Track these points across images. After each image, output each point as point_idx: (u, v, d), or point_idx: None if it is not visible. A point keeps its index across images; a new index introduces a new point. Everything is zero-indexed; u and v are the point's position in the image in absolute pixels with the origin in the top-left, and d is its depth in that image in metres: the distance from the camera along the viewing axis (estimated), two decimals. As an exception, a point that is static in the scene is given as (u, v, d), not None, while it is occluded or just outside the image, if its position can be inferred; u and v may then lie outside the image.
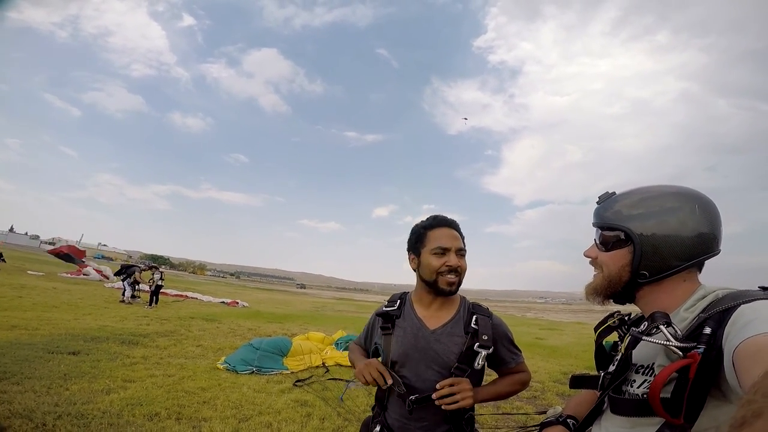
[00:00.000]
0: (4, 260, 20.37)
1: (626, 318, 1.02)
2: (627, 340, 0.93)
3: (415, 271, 1.48)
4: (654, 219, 0.88)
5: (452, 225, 1.46)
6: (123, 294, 14.06)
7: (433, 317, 1.43)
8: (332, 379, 5.80)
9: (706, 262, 0.89)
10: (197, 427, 3.61)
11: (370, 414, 1.55)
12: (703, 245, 0.86)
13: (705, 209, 0.87)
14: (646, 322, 0.80)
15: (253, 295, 32.09)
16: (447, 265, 1.37)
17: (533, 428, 1.21)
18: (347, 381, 1.71)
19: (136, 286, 14.47)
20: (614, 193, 0.99)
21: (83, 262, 25.53)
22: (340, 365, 6.61)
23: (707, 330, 0.72)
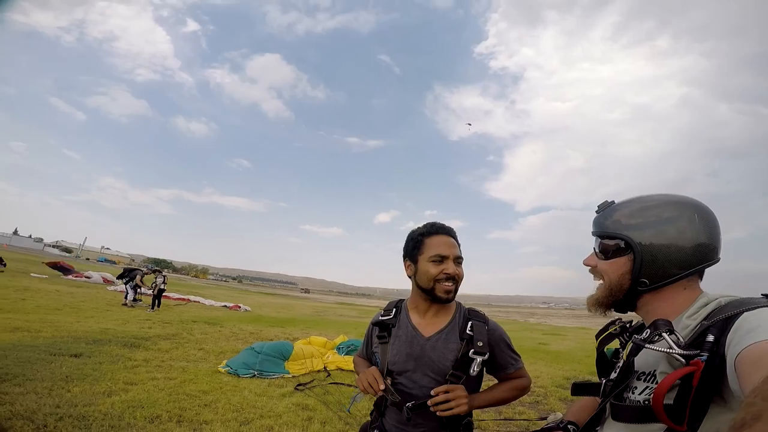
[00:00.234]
0: (4, 265, 20.32)
1: (627, 325, 1.03)
2: (629, 347, 0.94)
3: (410, 278, 1.48)
4: (654, 228, 0.89)
5: (449, 233, 1.45)
6: (125, 297, 14.10)
7: (429, 324, 1.43)
8: (334, 383, 5.78)
9: (707, 269, 0.89)
10: (198, 430, 3.60)
11: (368, 419, 1.56)
12: (702, 254, 0.86)
13: (704, 218, 0.88)
14: (648, 330, 0.80)
15: (255, 299, 32.10)
16: (445, 273, 1.37)
17: None
18: (354, 395, 1.71)
19: (139, 290, 14.51)
20: (613, 201, 1.00)
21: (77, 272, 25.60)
22: (342, 369, 6.59)
23: (710, 337, 0.73)
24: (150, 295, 14.36)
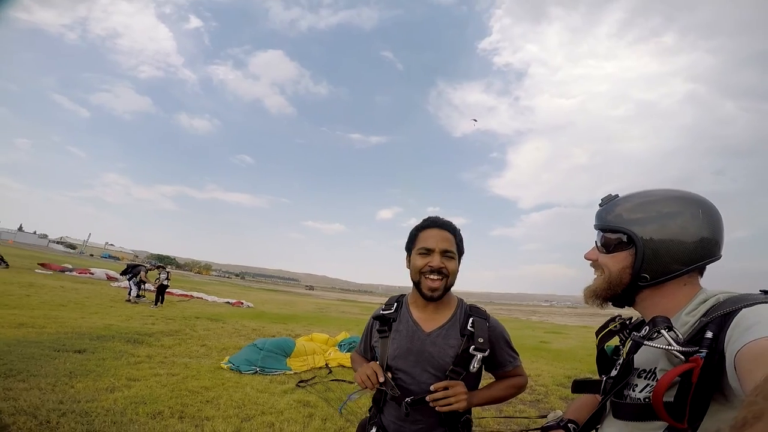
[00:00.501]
0: (6, 264, 20.33)
1: (627, 322, 1.02)
2: (628, 344, 0.94)
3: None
4: (656, 223, 0.88)
5: (442, 226, 1.43)
6: (129, 293, 14.18)
7: (429, 319, 1.42)
8: (335, 380, 5.80)
9: (710, 266, 0.89)
10: (200, 426, 3.62)
11: (366, 416, 1.55)
12: (704, 250, 0.86)
13: (708, 214, 0.87)
14: (647, 327, 0.80)
15: (258, 296, 32.25)
16: (429, 266, 1.36)
17: (534, 431, 1.21)
18: (349, 395, 1.70)
19: (142, 286, 14.59)
20: (617, 195, 0.99)
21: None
22: (344, 366, 6.61)
23: (709, 334, 0.72)
24: (153, 291, 14.44)
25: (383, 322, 1.47)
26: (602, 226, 0.98)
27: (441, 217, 1.49)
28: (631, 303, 0.95)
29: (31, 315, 8.20)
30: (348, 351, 7.37)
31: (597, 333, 1.06)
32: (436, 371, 1.34)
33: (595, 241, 1.01)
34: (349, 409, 4.40)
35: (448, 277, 1.38)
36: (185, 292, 20.88)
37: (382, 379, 1.33)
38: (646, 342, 0.77)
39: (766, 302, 0.71)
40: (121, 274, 16.35)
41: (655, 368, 0.83)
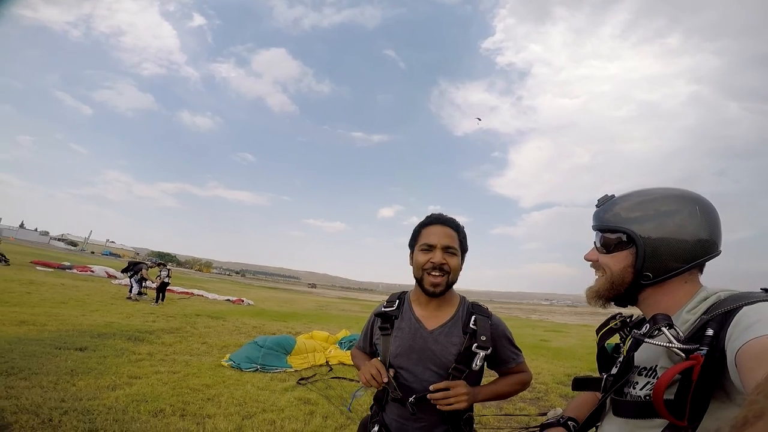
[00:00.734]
0: (8, 262, 20.30)
1: (628, 320, 1.02)
2: (629, 342, 0.94)
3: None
4: (655, 221, 0.88)
5: (445, 222, 1.43)
6: (130, 291, 14.19)
7: (432, 317, 1.42)
8: (336, 377, 5.82)
9: (711, 267, 0.89)
10: (201, 423, 3.63)
11: (368, 414, 1.55)
12: (704, 247, 0.86)
13: (705, 211, 0.88)
14: (647, 324, 0.80)
15: (258, 293, 32.29)
16: (431, 262, 1.36)
17: (534, 429, 1.21)
18: (355, 392, 1.70)
19: (143, 283, 14.60)
20: (613, 195, 1.00)
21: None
22: (344, 364, 6.63)
23: (709, 332, 0.73)
24: (154, 288, 14.45)
25: (385, 319, 1.47)
26: (601, 227, 0.98)
27: (444, 214, 1.49)
28: (633, 302, 0.95)
29: (32, 312, 8.21)
30: (348, 349, 7.38)
31: (597, 331, 1.06)
32: (439, 369, 1.34)
33: (594, 242, 1.01)
34: (348, 404, 4.42)
35: (449, 273, 1.38)
36: (186, 290, 20.89)
37: (386, 379, 1.32)
38: (646, 340, 0.77)
39: (766, 300, 0.71)
40: (122, 272, 16.34)
41: (656, 366, 0.83)
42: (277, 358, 6.20)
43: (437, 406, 1.26)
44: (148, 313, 10.94)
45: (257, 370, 5.79)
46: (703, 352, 0.70)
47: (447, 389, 1.26)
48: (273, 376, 5.63)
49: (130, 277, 14.44)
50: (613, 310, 1.02)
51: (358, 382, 1.71)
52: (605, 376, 0.98)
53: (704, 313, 0.78)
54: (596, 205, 1.02)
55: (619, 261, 0.92)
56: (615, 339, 1.04)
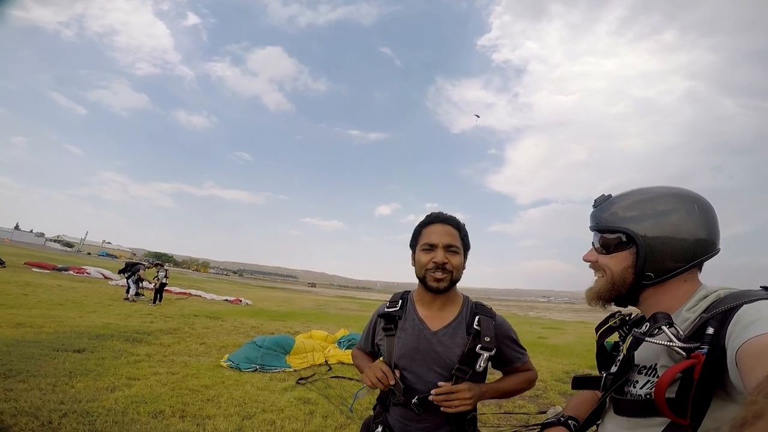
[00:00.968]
0: (3, 264, 20.11)
1: (627, 318, 1.02)
2: (629, 340, 0.94)
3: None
4: (654, 220, 0.88)
5: (446, 221, 1.42)
6: (127, 292, 14.14)
7: (435, 318, 1.41)
8: (335, 377, 5.82)
9: (708, 262, 0.89)
10: (201, 424, 3.63)
11: (371, 414, 1.54)
12: (704, 245, 0.86)
13: (703, 209, 0.88)
14: (647, 323, 0.80)
15: (256, 293, 32.23)
16: (433, 262, 1.35)
17: (534, 427, 1.21)
18: (356, 392, 1.68)
19: (140, 284, 14.55)
20: (610, 195, 0.99)
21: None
22: (343, 363, 6.63)
23: (710, 330, 0.73)
24: (151, 289, 14.40)
25: (389, 319, 1.45)
26: (599, 227, 0.97)
27: (444, 212, 1.47)
28: (634, 302, 0.95)
29: (29, 314, 8.17)
30: (348, 348, 7.38)
31: (597, 329, 1.06)
32: (443, 370, 1.33)
33: (592, 243, 1.00)
34: (348, 405, 4.42)
35: (452, 272, 1.37)
36: (183, 290, 20.82)
37: (392, 382, 1.31)
38: (647, 338, 0.77)
39: (766, 298, 0.72)
40: (119, 273, 16.26)
41: (656, 364, 0.83)
42: (276, 358, 6.19)
43: (441, 408, 1.26)
44: (145, 314, 10.90)
45: (256, 370, 5.78)
46: (704, 350, 0.70)
47: (451, 392, 1.25)
48: (272, 376, 5.63)
49: (128, 278, 14.38)
50: (613, 308, 1.01)
51: (358, 381, 1.71)
52: (605, 374, 0.98)
53: (704, 311, 0.78)
54: (593, 206, 1.00)
55: (620, 262, 0.92)
56: (614, 337, 1.04)
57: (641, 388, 0.84)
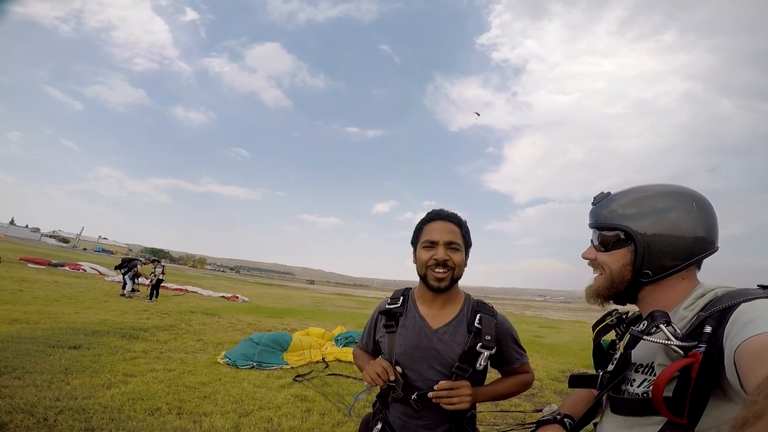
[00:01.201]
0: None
1: (624, 316, 1.02)
2: (626, 338, 0.94)
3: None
4: (653, 218, 0.88)
5: (447, 218, 1.42)
6: (123, 288, 14.09)
7: (436, 315, 1.41)
8: (332, 374, 5.83)
9: (706, 260, 0.89)
10: (198, 422, 3.62)
11: (370, 411, 1.54)
12: (703, 243, 0.86)
13: (702, 207, 0.88)
14: (645, 321, 0.79)
15: (253, 290, 32.18)
16: (434, 259, 1.35)
17: (530, 425, 1.22)
18: (357, 394, 1.67)
19: (136, 280, 14.49)
20: (609, 193, 0.99)
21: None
22: (340, 361, 6.64)
23: (708, 329, 0.72)
24: (148, 285, 14.34)
25: (390, 316, 1.45)
26: (598, 224, 0.97)
27: (445, 209, 1.47)
28: (633, 300, 0.95)
29: (25, 310, 8.13)
30: (345, 346, 7.39)
31: (594, 327, 1.06)
32: (443, 368, 1.33)
33: (591, 240, 1.00)
34: (347, 404, 4.43)
35: (454, 269, 1.36)
36: (180, 287, 20.76)
37: (393, 377, 1.32)
38: (645, 337, 0.76)
39: (764, 297, 0.71)
40: (115, 268, 16.19)
41: (653, 363, 0.83)
42: (273, 355, 6.19)
43: (441, 405, 1.26)
44: (142, 310, 10.87)
45: (253, 367, 5.78)
46: (702, 349, 0.70)
47: (450, 389, 1.26)
48: (269, 373, 5.63)
49: (124, 274, 14.32)
50: (610, 306, 1.01)
51: (356, 379, 1.71)
52: (601, 373, 0.98)
53: (701, 309, 0.78)
54: (592, 203, 1.00)
55: (618, 259, 0.92)
56: (611, 335, 1.03)
57: (639, 387, 0.84)
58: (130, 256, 18.58)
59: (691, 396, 0.70)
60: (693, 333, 0.75)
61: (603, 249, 0.95)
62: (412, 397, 1.31)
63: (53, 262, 24.05)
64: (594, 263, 0.98)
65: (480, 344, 1.32)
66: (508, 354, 1.43)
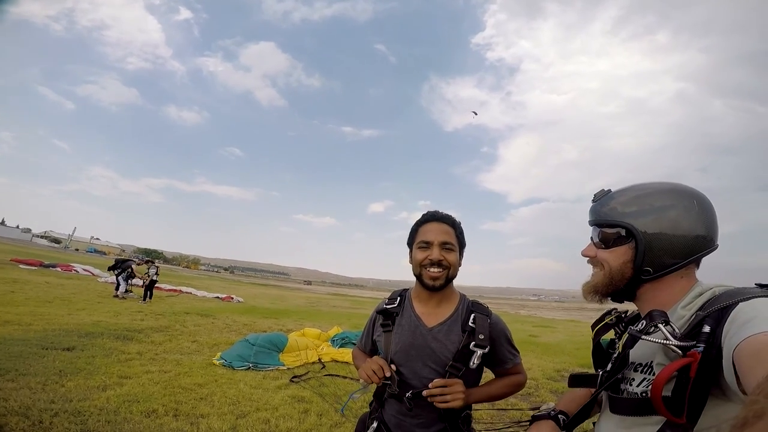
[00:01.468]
0: None
1: (623, 315, 1.02)
2: (624, 338, 0.94)
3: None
4: (653, 215, 0.88)
5: (441, 219, 1.46)
6: (116, 289, 13.95)
7: (432, 314, 1.43)
8: (329, 375, 5.82)
9: (703, 259, 0.89)
10: (195, 423, 3.61)
11: (367, 410, 1.57)
12: (703, 241, 0.86)
13: (702, 205, 0.88)
14: (643, 321, 0.79)
15: (248, 291, 32.03)
16: (429, 259, 1.38)
17: (525, 424, 1.22)
18: (351, 394, 1.71)
19: (130, 281, 14.35)
20: (610, 190, 0.99)
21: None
22: (336, 361, 6.63)
23: (706, 328, 0.72)
24: (141, 286, 14.21)
25: (387, 316, 1.48)
26: (599, 221, 0.96)
27: (440, 211, 1.50)
28: (631, 298, 0.95)
29: (17, 312, 8.02)
30: (341, 346, 7.39)
31: (593, 326, 1.05)
32: (437, 366, 1.36)
33: (591, 237, 1.00)
34: (343, 404, 4.43)
35: (449, 268, 1.40)
36: (174, 287, 20.61)
37: (389, 374, 1.34)
38: (643, 336, 0.76)
39: (762, 296, 0.71)
40: (109, 269, 16.03)
41: (652, 362, 0.83)
42: (269, 356, 6.17)
43: (434, 403, 1.28)
44: (136, 311, 10.78)
45: (249, 368, 5.75)
46: (700, 349, 0.70)
47: (444, 387, 1.28)
48: (265, 374, 5.61)
49: (117, 275, 14.18)
50: (606, 305, 1.01)
51: (353, 379, 1.72)
52: (601, 372, 0.98)
53: (700, 309, 0.78)
54: (593, 200, 1.00)
55: (619, 256, 0.91)
56: (610, 335, 1.03)
57: (638, 386, 0.84)
58: (123, 257, 18.40)
59: (689, 395, 0.70)
60: (691, 332, 0.74)
61: (603, 246, 0.95)
62: (407, 394, 1.33)
63: (45, 263, 23.74)
64: (594, 260, 0.98)
65: (473, 343, 1.34)
66: (501, 354, 1.45)
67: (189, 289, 20.90)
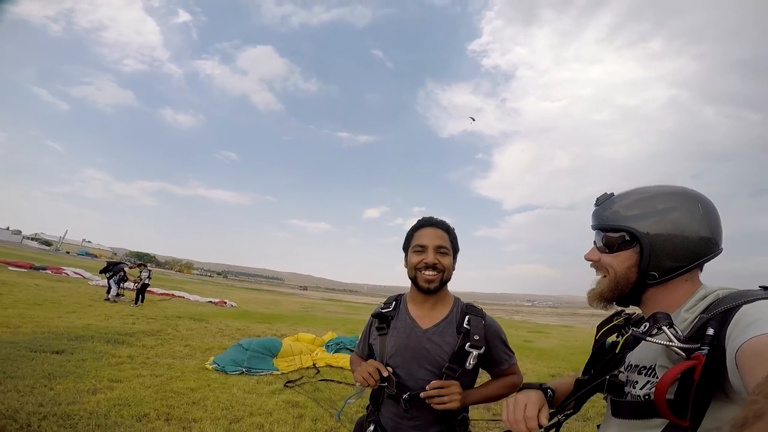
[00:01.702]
0: None
1: (631, 317, 1.02)
2: (624, 339, 0.93)
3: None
4: (657, 218, 0.87)
5: (435, 224, 1.50)
6: (108, 292, 13.77)
7: (426, 317, 1.46)
8: (323, 380, 5.77)
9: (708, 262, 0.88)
10: (188, 428, 3.55)
11: (364, 414, 1.57)
12: (707, 244, 0.86)
13: (706, 209, 0.87)
14: (647, 323, 0.79)
15: (241, 295, 31.78)
16: (424, 262, 1.41)
17: None
18: (346, 399, 1.72)
19: (122, 284, 14.17)
20: (612, 194, 0.97)
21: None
22: (331, 366, 6.59)
23: (710, 331, 0.72)
24: (133, 290, 14.04)
25: (382, 319, 1.51)
26: (602, 226, 0.95)
27: (435, 216, 1.55)
28: (637, 302, 0.94)
29: (5, 314, 7.87)
30: (336, 351, 7.34)
31: (599, 327, 1.05)
32: (433, 368, 1.37)
33: (594, 242, 0.98)
34: (338, 408, 4.39)
35: (443, 272, 1.43)
36: (166, 291, 20.36)
37: (385, 374, 1.35)
38: (647, 338, 0.76)
39: (765, 298, 0.71)
40: (100, 273, 15.81)
41: (655, 365, 0.82)
42: (263, 360, 6.11)
43: (431, 405, 1.29)
44: (127, 314, 10.63)
45: (243, 373, 5.69)
46: (704, 351, 0.69)
47: (441, 388, 1.29)
48: (259, 379, 5.55)
49: (109, 278, 14.00)
50: (603, 311, 1.00)
51: (347, 384, 1.71)
52: (608, 377, 0.94)
53: (703, 311, 0.78)
54: (595, 204, 0.99)
55: (623, 261, 0.90)
56: (613, 337, 1.02)
57: (641, 389, 0.83)
58: (115, 260, 18.18)
59: (693, 398, 0.69)
60: (695, 335, 0.74)
61: (607, 250, 0.93)
62: (404, 396, 1.33)
63: (35, 265, 23.38)
64: (597, 265, 0.96)
65: (469, 344, 1.36)
66: (497, 355, 1.47)
67: (181, 293, 20.66)
